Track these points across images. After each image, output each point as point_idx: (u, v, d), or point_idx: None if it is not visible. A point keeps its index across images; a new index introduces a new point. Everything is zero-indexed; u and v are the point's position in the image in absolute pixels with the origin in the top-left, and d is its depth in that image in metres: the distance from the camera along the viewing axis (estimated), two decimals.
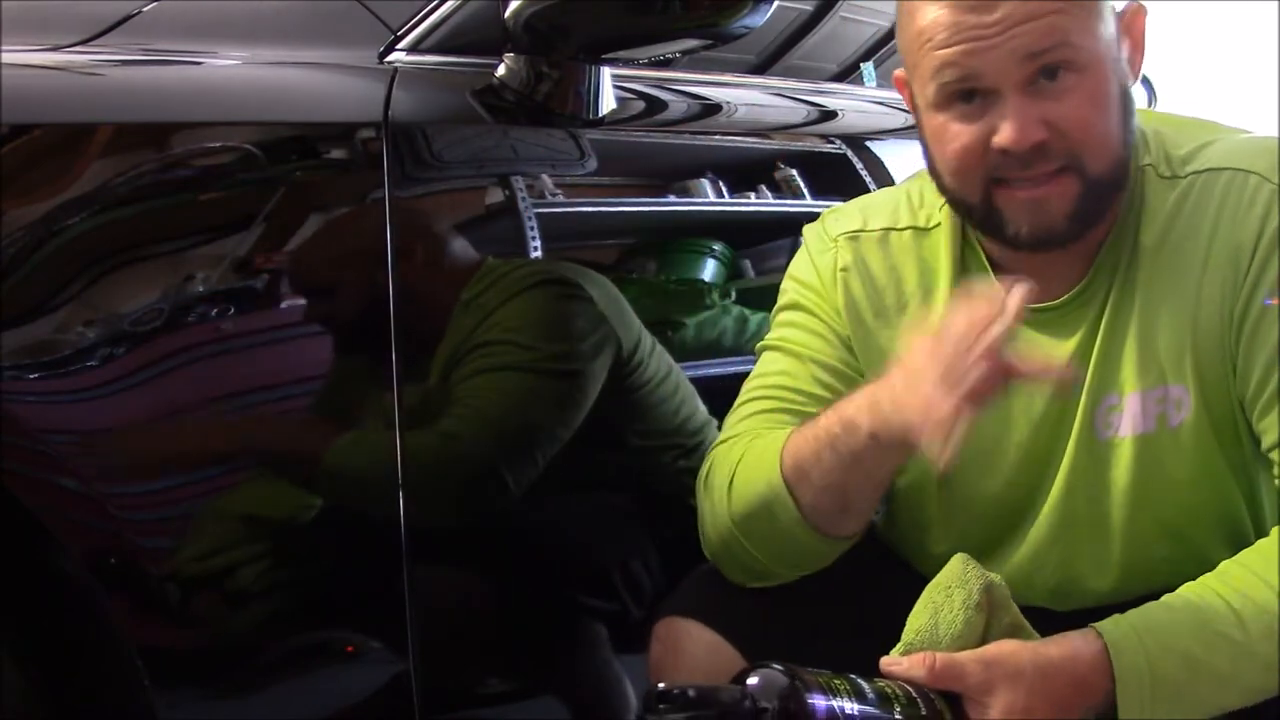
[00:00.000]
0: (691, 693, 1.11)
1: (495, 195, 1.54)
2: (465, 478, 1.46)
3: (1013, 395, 1.26)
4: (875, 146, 2.00)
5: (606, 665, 1.61)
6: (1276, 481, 1.27)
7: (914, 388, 1.15)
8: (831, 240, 1.41)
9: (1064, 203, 1.24)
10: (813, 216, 1.47)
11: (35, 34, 1.34)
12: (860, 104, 2.10)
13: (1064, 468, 1.33)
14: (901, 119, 2.00)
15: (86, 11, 1.42)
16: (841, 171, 1.93)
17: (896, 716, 1.14)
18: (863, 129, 2.03)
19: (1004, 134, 1.22)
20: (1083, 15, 1.23)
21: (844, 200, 1.49)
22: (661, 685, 1.11)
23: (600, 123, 1.57)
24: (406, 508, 1.37)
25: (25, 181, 1.20)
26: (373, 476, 1.38)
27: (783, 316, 1.44)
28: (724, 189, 1.78)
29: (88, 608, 1.21)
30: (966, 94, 1.24)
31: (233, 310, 1.30)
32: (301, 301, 1.35)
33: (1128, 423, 1.30)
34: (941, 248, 1.37)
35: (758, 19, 1.47)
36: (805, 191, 1.87)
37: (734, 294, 1.76)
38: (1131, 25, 1.29)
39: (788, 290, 1.44)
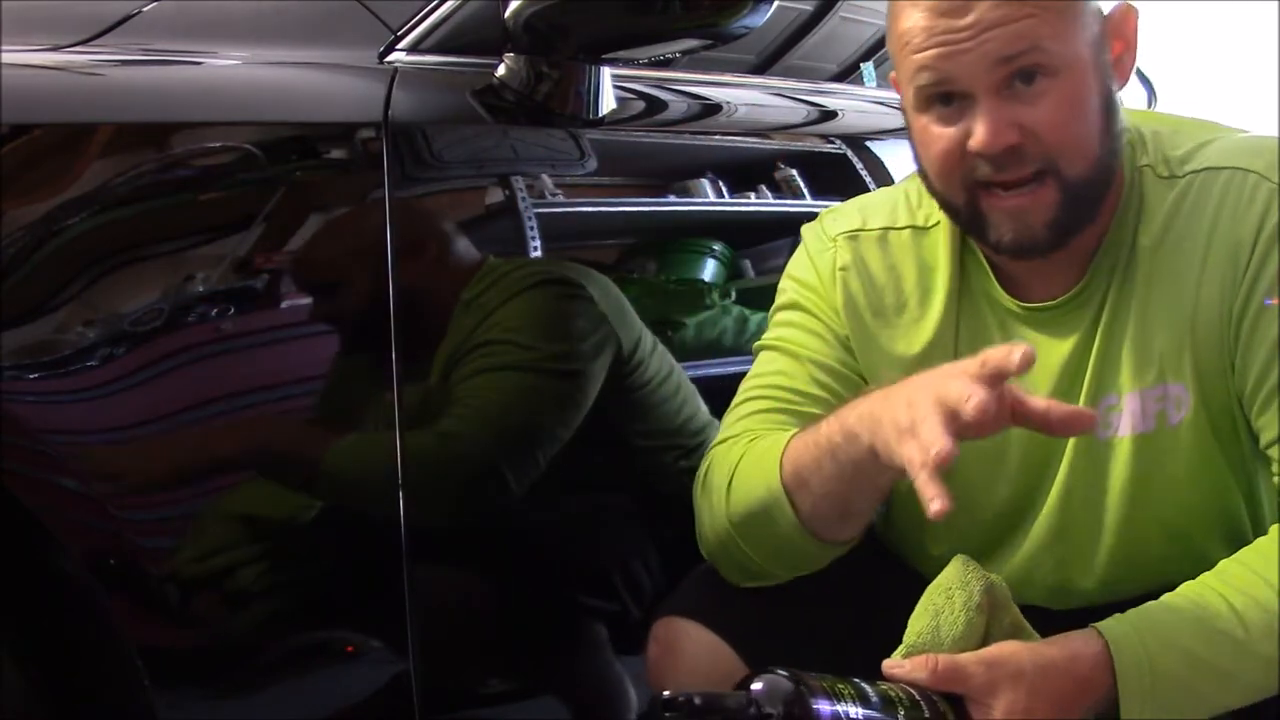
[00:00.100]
0: (697, 700, 1.11)
1: (495, 195, 1.54)
2: (466, 477, 1.46)
3: None
4: (875, 146, 2.00)
5: (608, 666, 1.61)
6: (1275, 479, 1.27)
7: (912, 420, 1.12)
8: (830, 240, 1.41)
9: (1043, 212, 1.24)
10: (813, 216, 1.47)
11: (35, 34, 1.34)
12: (860, 104, 2.10)
13: (1063, 468, 1.33)
14: (901, 119, 2.00)
15: (86, 11, 1.42)
16: (841, 171, 1.93)
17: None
18: (863, 129, 2.03)
19: (976, 137, 1.22)
20: (1058, 19, 1.22)
21: (844, 200, 1.49)
22: (666, 693, 1.11)
23: (600, 123, 1.57)
24: (407, 507, 1.37)
25: (25, 181, 1.20)
26: (373, 476, 1.38)
27: (781, 316, 1.44)
28: (724, 189, 1.78)
29: (88, 608, 1.21)
30: (945, 97, 1.25)
31: (233, 310, 1.30)
32: (301, 302, 1.35)
33: (1127, 422, 1.30)
34: (940, 247, 1.37)
35: (758, 19, 1.47)
36: (805, 191, 1.87)
37: (734, 294, 1.76)
38: (1122, 26, 1.29)
39: (786, 290, 1.44)
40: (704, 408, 1.63)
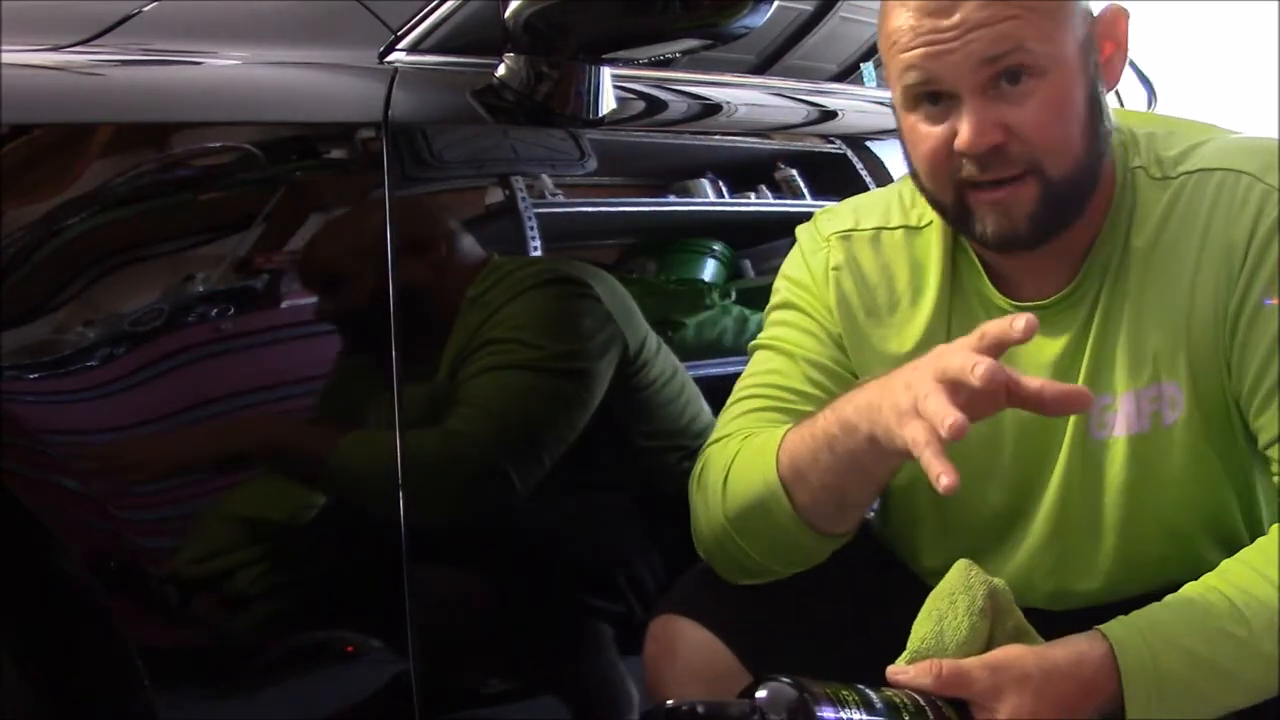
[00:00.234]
0: (700, 708, 1.11)
1: (495, 195, 1.54)
2: (471, 476, 1.46)
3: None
4: (875, 146, 2.00)
5: (611, 667, 1.61)
6: (1275, 479, 1.27)
7: (913, 400, 1.13)
8: (824, 239, 1.42)
9: (1024, 205, 1.25)
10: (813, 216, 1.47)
11: (35, 34, 1.34)
12: (860, 104, 2.10)
13: (1059, 469, 1.33)
14: None
15: (86, 11, 1.42)
16: (841, 171, 1.93)
17: None
18: (863, 129, 2.03)
19: (961, 137, 1.23)
20: (1044, 20, 1.22)
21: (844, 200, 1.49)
22: (670, 701, 1.11)
23: (600, 123, 1.57)
24: (408, 507, 1.37)
25: (25, 181, 1.20)
26: (377, 476, 1.38)
27: (775, 315, 1.44)
28: (724, 189, 1.78)
29: (88, 608, 1.21)
30: (932, 96, 1.25)
31: (233, 310, 1.30)
32: (302, 301, 1.35)
33: (1122, 422, 1.30)
34: (933, 246, 1.37)
35: (758, 19, 1.47)
36: (805, 191, 1.88)
37: (734, 294, 1.76)
38: (1112, 28, 1.29)
39: (780, 289, 1.45)
40: (707, 408, 1.63)
